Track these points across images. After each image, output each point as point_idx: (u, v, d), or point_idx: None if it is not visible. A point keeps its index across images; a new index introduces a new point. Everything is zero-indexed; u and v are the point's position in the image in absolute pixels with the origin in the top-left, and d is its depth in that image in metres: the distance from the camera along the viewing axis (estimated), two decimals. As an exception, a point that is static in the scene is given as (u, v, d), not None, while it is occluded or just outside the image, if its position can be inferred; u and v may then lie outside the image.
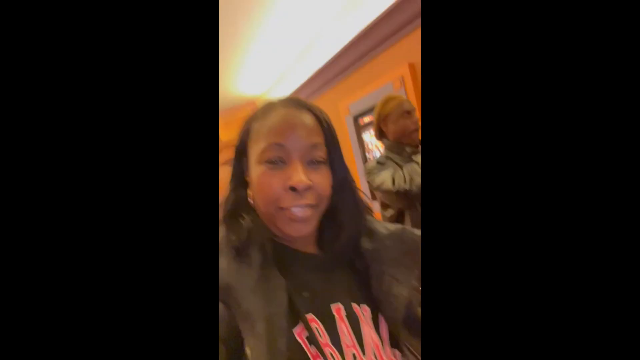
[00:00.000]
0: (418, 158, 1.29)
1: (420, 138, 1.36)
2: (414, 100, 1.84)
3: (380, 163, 1.38)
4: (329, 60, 2.27)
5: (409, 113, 1.35)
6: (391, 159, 1.35)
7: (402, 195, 1.23)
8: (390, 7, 1.72)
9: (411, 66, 1.84)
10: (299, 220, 0.45)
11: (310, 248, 0.50)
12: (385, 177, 1.28)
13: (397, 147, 1.36)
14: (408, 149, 1.34)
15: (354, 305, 0.46)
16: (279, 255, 0.46)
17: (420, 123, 1.37)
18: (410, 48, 1.82)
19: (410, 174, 1.23)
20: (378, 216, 0.99)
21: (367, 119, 2.28)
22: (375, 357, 0.43)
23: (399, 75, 1.90)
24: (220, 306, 0.40)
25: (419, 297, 0.49)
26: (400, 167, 1.28)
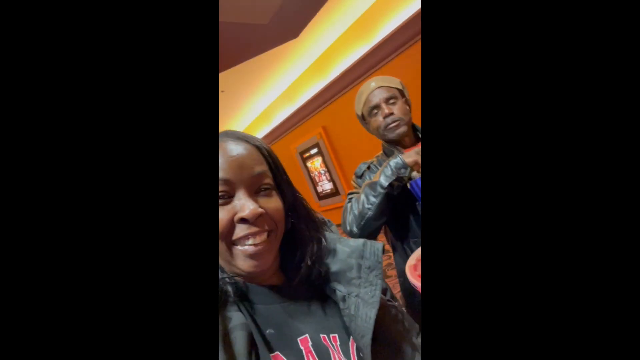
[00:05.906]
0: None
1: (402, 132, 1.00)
2: (331, 154, 4.31)
3: (358, 176, 1.06)
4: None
5: (376, 107, 0.99)
6: (373, 170, 1.04)
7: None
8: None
9: (324, 128, 4.24)
10: (255, 256, 0.43)
11: (274, 279, 0.49)
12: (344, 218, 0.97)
13: (387, 150, 1.04)
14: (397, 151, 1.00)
15: (323, 337, 0.44)
16: (240, 294, 0.44)
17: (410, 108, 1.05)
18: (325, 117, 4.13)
19: (360, 211, 0.92)
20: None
21: (306, 154, 4.67)
22: None
23: (319, 131, 4.31)
24: None
25: (392, 312, 0.49)
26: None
